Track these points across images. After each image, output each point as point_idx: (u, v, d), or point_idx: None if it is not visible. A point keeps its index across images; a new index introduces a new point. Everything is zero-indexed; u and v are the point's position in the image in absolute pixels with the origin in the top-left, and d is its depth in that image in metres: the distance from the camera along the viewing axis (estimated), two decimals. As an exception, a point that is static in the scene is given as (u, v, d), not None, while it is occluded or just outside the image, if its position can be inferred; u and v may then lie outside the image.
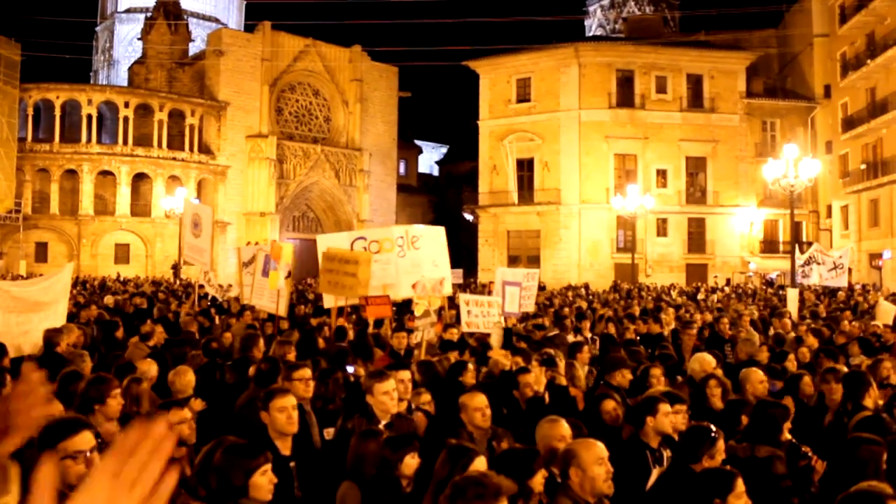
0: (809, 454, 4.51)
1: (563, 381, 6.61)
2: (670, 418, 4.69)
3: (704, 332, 11.46)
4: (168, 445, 1.06)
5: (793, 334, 11.28)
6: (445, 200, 66.12)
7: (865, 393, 5.28)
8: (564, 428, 4.39)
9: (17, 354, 7.68)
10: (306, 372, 5.48)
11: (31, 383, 1.23)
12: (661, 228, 44.44)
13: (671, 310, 15.15)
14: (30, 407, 1.20)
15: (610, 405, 5.24)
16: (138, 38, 58.06)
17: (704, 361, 7.20)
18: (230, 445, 3.62)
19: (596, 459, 3.72)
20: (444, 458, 3.57)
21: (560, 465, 3.85)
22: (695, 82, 45.32)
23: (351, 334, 9.81)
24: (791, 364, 7.17)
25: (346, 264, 9.84)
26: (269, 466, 3.50)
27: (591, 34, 67.46)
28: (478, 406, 4.96)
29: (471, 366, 6.55)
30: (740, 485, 3.37)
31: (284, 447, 4.33)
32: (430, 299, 9.14)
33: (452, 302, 13.19)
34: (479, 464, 3.50)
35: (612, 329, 11.62)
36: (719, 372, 6.81)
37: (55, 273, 9.83)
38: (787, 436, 4.65)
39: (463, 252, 49.33)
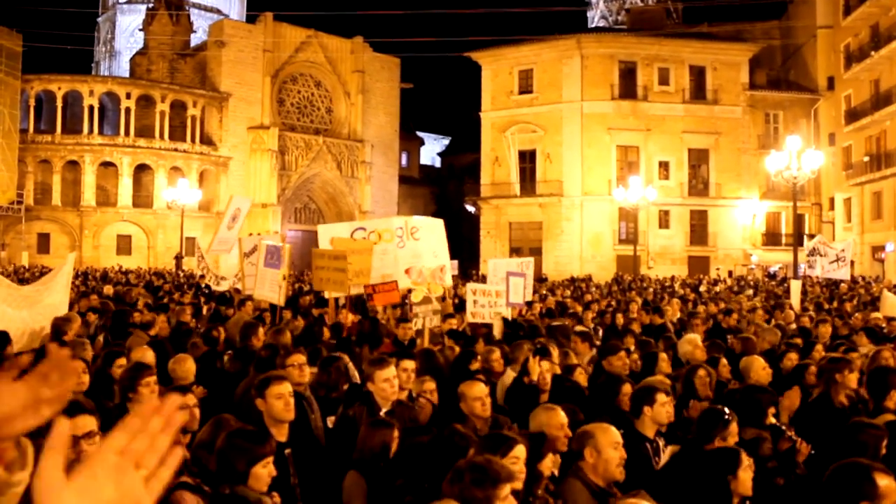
0: (794, 436, 4.54)
1: (557, 370, 6.60)
2: (667, 408, 4.65)
3: (708, 322, 11.46)
4: (177, 424, 1.05)
5: (794, 325, 11.30)
6: (447, 192, 66.00)
7: (888, 394, 5.08)
8: (560, 416, 4.36)
9: (30, 347, 7.73)
10: (300, 357, 5.46)
11: (54, 363, 1.21)
12: (664, 220, 44.34)
13: (676, 300, 15.11)
14: (53, 386, 1.19)
15: (630, 388, 5.22)
16: (140, 29, 57.93)
17: (692, 340, 7.17)
18: (237, 430, 3.60)
19: (612, 443, 3.76)
20: (480, 447, 3.48)
21: (575, 446, 3.86)
22: (697, 74, 45.11)
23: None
24: (818, 355, 7.14)
25: (334, 260, 9.86)
26: (271, 458, 3.47)
27: (593, 25, 67.17)
28: (477, 395, 4.90)
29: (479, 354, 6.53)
30: (745, 458, 3.62)
31: (280, 434, 4.27)
32: (431, 286, 9.05)
33: (454, 292, 13.19)
34: (519, 452, 3.46)
35: (619, 319, 11.59)
36: (724, 361, 6.79)
37: (60, 266, 9.87)
38: (772, 419, 4.72)
39: (464, 244, 49.27)
